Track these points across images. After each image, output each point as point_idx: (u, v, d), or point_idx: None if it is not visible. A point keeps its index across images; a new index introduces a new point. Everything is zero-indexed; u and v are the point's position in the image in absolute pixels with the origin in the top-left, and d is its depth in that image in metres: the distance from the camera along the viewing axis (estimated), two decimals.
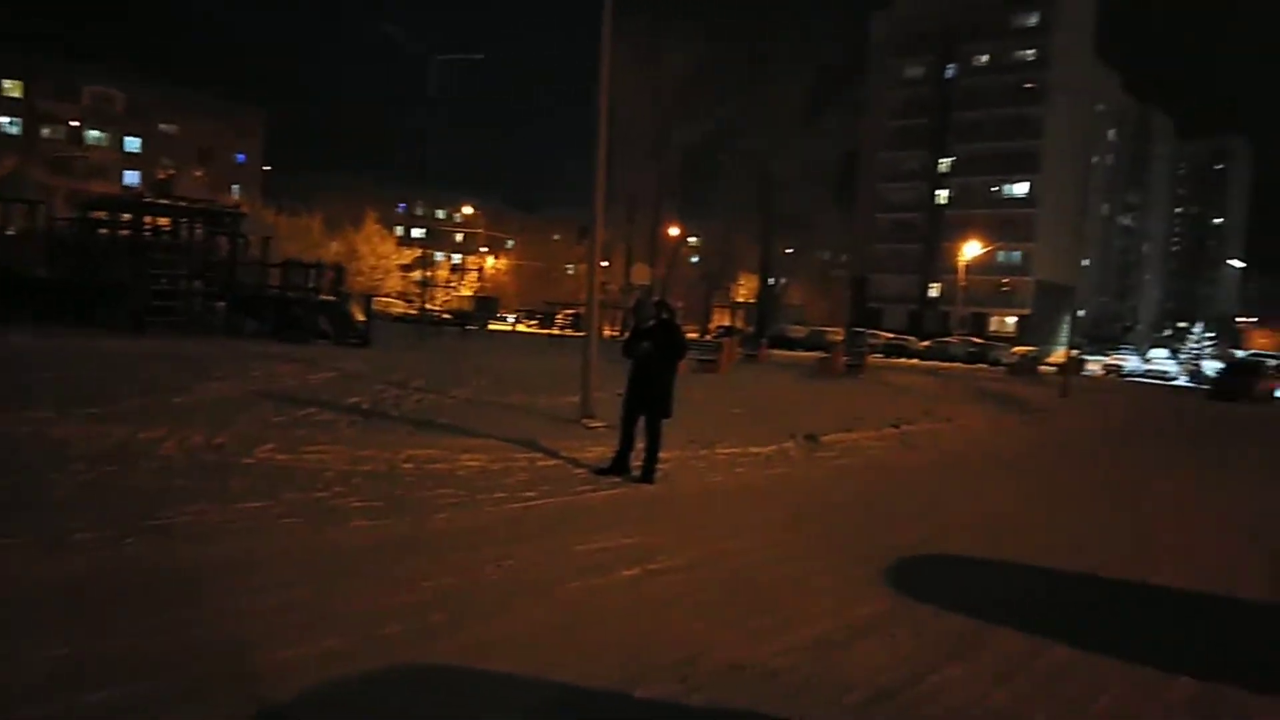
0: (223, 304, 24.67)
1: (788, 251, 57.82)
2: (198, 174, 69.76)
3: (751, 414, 14.49)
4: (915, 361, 46.72)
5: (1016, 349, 50.16)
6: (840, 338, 48.05)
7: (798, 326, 59.49)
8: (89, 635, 3.82)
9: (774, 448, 11.31)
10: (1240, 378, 35.18)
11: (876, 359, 37.88)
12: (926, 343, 56.92)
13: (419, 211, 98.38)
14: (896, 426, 14.70)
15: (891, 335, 59.41)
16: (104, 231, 24.88)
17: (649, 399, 8.36)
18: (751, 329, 55.14)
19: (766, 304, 56.60)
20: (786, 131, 48.99)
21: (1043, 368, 42.78)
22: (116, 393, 10.68)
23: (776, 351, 36.92)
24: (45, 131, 71.64)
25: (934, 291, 79.71)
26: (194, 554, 5.08)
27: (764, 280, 57.00)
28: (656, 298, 9.48)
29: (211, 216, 26.05)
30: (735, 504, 7.93)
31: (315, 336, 23.64)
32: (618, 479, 8.30)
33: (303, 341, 22.38)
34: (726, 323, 62.36)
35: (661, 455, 8.61)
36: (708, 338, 36.74)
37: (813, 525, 7.29)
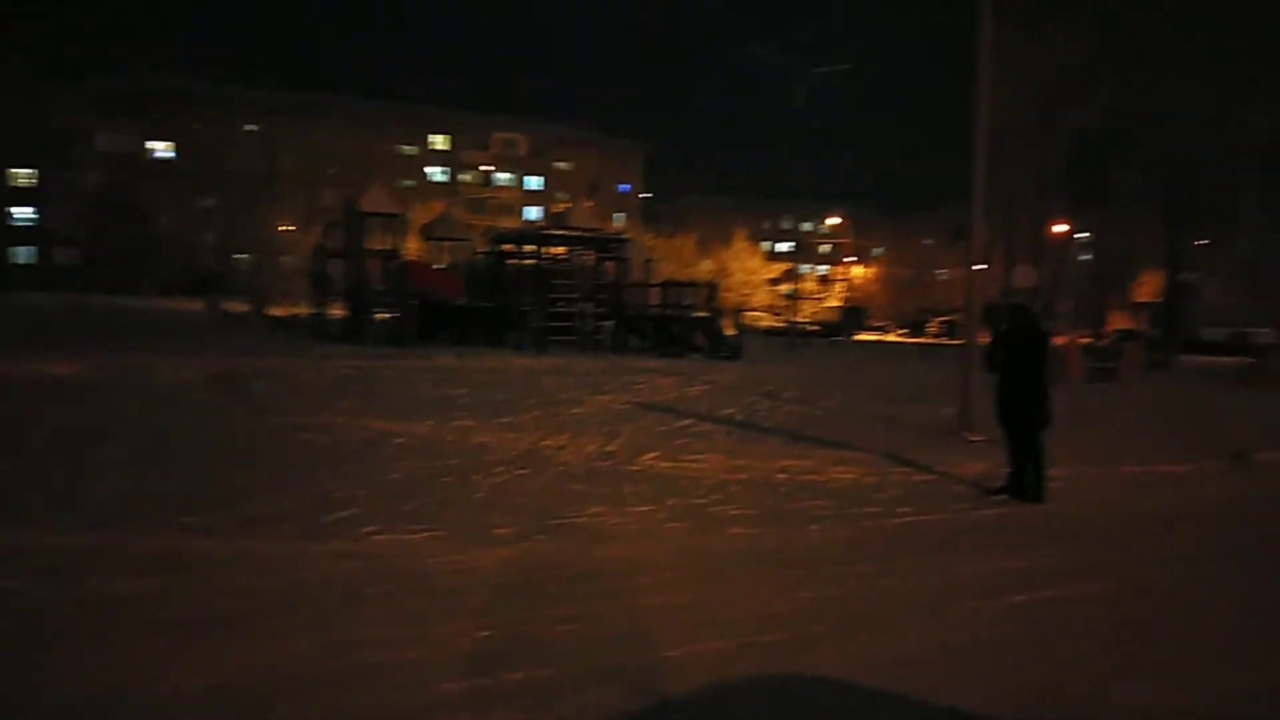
0: (610, 323, 26.81)
1: (1202, 243, 50.39)
2: (588, 205, 76.57)
3: (1160, 428, 12.87)
4: None
5: None
6: (1273, 340, 41.20)
7: (1215, 328, 51.93)
8: (505, 621, 4.29)
9: (1190, 467, 9.92)
10: None
11: None
12: None
13: (786, 225, 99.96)
14: None
15: None
16: (511, 262, 28.16)
17: (1020, 410, 7.70)
18: (1157, 332, 49.08)
19: (1176, 304, 49.82)
20: (1204, 106, 41.73)
21: None
22: (523, 405, 12.01)
23: (1190, 357, 32.49)
24: (464, 177, 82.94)
25: None
26: (592, 552, 5.53)
27: (1172, 277, 50.22)
28: (1013, 301, 8.73)
29: (600, 243, 28.46)
30: (1144, 530, 7.04)
31: (691, 351, 24.87)
32: (1004, 497, 7.75)
33: (679, 356, 23.62)
34: (1126, 325, 56.14)
35: (1055, 473, 7.90)
36: (1103, 343, 33.35)
37: (1242, 559, 6.25)
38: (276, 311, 36.12)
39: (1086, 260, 61.94)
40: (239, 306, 36.79)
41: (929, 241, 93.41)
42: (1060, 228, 50.65)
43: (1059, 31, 39.11)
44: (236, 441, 8.70)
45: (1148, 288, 64.96)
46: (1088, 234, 60.94)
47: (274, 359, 17.45)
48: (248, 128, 72.17)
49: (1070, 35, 39.13)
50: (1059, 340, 21.02)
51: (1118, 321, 58.61)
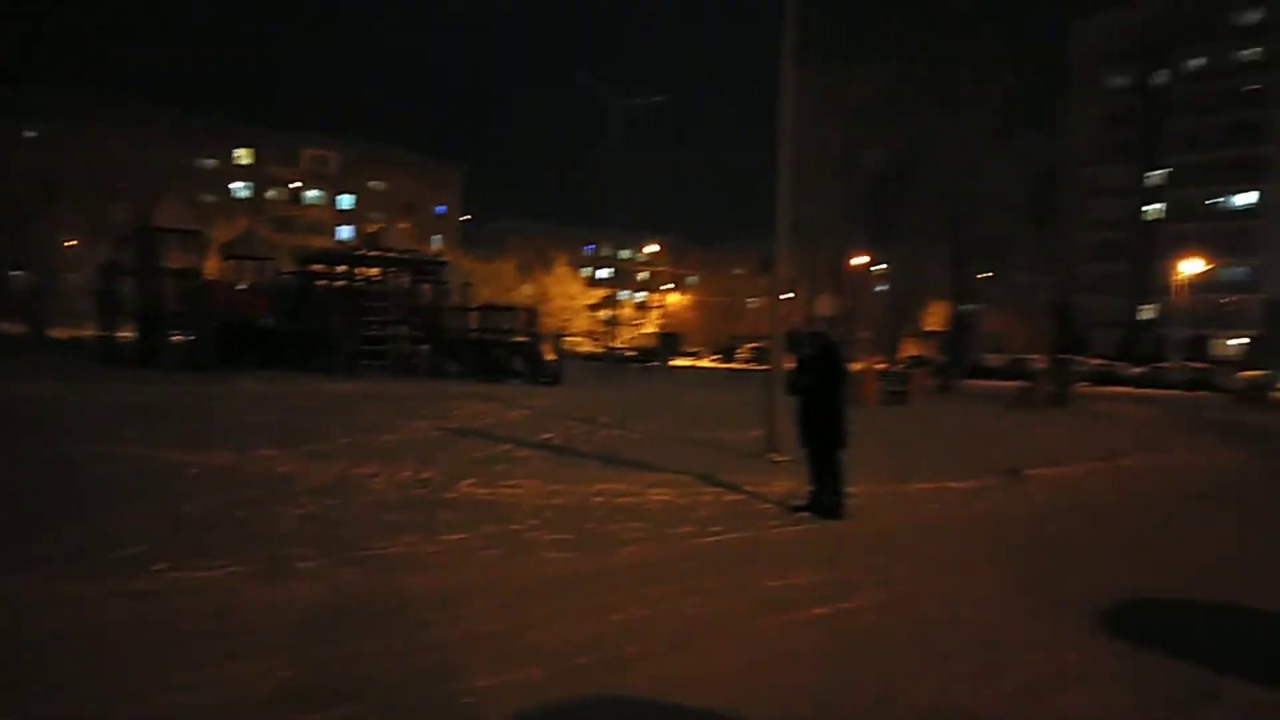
0: (427, 347, 26.27)
1: (983, 276, 55.02)
2: (403, 226, 74.90)
3: (947, 447, 13.91)
4: (1127, 389, 43.62)
5: (1244, 373, 45.66)
6: (1043, 366, 45.49)
7: (995, 355, 56.75)
8: (308, 658, 4.13)
9: (972, 483, 10.78)
10: None
11: (1084, 387, 35.55)
12: (1139, 369, 52.95)
13: (604, 251, 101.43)
14: (1109, 460, 13.70)
15: (1100, 361, 55.70)
16: (321, 283, 27.12)
17: (821, 432, 8.17)
18: (944, 358, 53.03)
19: (960, 332, 54.12)
20: (979, 152, 46.58)
21: (1277, 394, 38.75)
22: (333, 432, 11.59)
23: (973, 381, 35.33)
24: (270, 193, 79.31)
25: (1147, 314, 74.01)
26: (402, 583, 5.40)
27: (957, 307, 54.56)
28: (813, 328, 9.32)
29: (416, 266, 27.91)
30: (931, 542, 7.60)
31: (510, 376, 24.74)
32: (806, 514, 8.16)
33: (498, 381, 23.44)
34: (917, 352, 60.33)
35: (852, 490, 8.39)
36: (896, 368, 35.71)
37: (1015, 565, 6.87)
38: (58, 333, 33.21)
39: (883, 291, 66.15)
40: (14, 328, 33.58)
41: (739, 271, 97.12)
42: (859, 260, 53.98)
43: (852, 78, 42.03)
44: (11, 474, 7.92)
45: (936, 317, 70.16)
46: (884, 266, 65.21)
47: (54, 384, 16.02)
48: (26, 133, 66.06)
49: (862, 81, 42.18)
50: (856, 366, 22.37)
51: (910, 349, 62.84)
